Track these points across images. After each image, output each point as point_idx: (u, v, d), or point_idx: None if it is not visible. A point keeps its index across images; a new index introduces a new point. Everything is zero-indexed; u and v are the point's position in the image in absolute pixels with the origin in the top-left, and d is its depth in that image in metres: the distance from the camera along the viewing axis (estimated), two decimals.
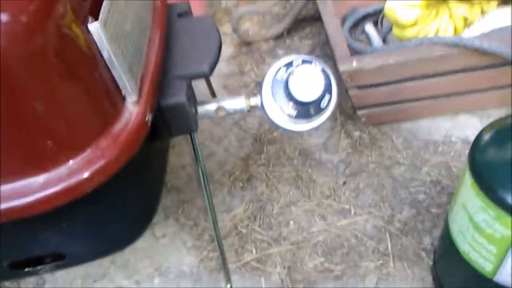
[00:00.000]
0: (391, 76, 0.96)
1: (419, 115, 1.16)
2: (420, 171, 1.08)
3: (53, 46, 0.45)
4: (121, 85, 0.55)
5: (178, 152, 1.21)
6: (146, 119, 0.57)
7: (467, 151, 0.75)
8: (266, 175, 1.14)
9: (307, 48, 1.46)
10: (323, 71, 0.72)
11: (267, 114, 0.75)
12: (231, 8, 1.70)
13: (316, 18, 1.56)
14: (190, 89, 0.71)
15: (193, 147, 0.74)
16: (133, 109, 0.56)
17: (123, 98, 0.56)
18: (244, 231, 1.04)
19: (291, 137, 1.21)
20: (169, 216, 1.10)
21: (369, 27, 1.19)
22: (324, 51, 1.42)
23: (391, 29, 1.18)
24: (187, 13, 0.85)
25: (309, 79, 0.71)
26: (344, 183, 1.10)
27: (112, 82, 0.54)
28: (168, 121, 0.68)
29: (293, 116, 0.74)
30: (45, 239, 0.59)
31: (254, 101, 0.79)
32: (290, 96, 0.72)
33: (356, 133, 1.17)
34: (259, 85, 0.76)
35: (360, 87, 1.00)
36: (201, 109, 0.77)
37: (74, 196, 0.50)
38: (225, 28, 1.53)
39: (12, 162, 0.48)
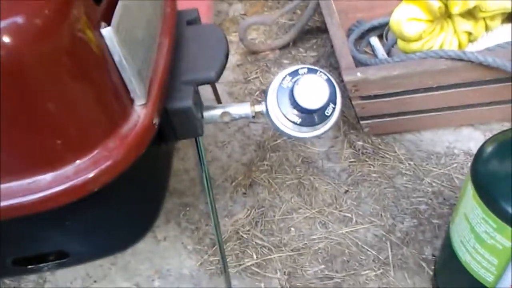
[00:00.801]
0: (395, 87, 0.98)
1: (422, 127, 1.17)
2: (422, 181, 1.09)
3: (67, 49, 0.47)
4: (130, 88, 0.56)
5: (182, 156, 1.22)
6: (154, 121, 0.58)
7: (469, 163, 0.76)
8: (269, 181, 1.15)
9: (312, 59, 1.48)
10: (328, 80, 0.73)
11: (271, 121, 0.77)
12: (238, 17, 1.73)
13: (321, 30, 1.59)
14: (196, 94, 0.72)
15: (198, 151, 0.75)
16: (141, 112, 0.57)
17: (132, 101, 0.57)
18: (245, 236, 1.05)
19: (294, 145, 1.23)
20: (171, 220, 1.11)
21: (374, 40, 1.21)
22: (329, 62, 1.44)
23: (395, 42, 1.20)
24: (196, 20, 0.87)
25: (314, 87, 0.73)
26: (346, 191, 1.10)
27: (121, 85, 0.55)
28: (174, 125, 0.69)
29: (298, 123, 0.75)
30: (50, 237, 0.59)
31: (259, 107, 0.80)
32: (295, 104, 0.73)
33: (359, 143, 1.18)
34: (264, 92, 0.78)
35: (364, 97, 1.01)
36: (207, 114, 0.78)
37: (80, 195, 0.51)
38: (232, 37, 1.55)
39: (21, 160, 0.49)
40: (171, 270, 1.01)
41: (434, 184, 1.08)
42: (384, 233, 1.01)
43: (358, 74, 0.95)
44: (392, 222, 1.03)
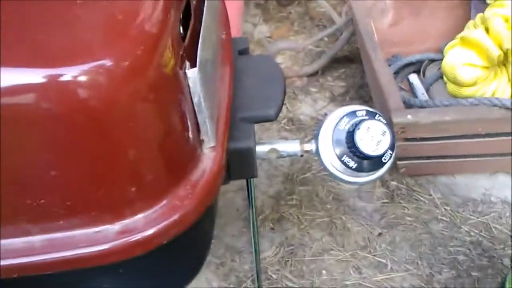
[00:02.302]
0: (444, 132, 0.94)
1: (457, 170, 1.13)
2: (460, 229, 1.05)
3: (152, 90, 0.42)
4: (203, 130, 0.51)
5: None
6: (223, 166, 0.53)
7: (507, 213, 0.72)
8: (298, 217, 1.09)
9: (341, 89, 1.45)
10: (388, 126, 0.70)
11: (322, 162, 0.73)
12: (263, 40, 1.70)
13: (350, 60, 1.56)
14: (254, 133, 0.68)
15: (249, 193, 0.70)
16: (210, 155, 0.52)
17: (201, 143, 0.52)
18: (274, 276, 0.99)
19: (323, 179, 1.18)
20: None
21: (414, 78, 1.18)
22: (359, 94, 1.41)
23: (435, 80, 1.17)
24: (247, 49, 0.83)
25: (376, 133, 0.69)
26: (380, 234, 1.06)
27: (195, 127, 0.50)
28: (231, 166, 0.64)
29: (352, 168, 0.71)
30: (99, 284, 0.54)
31: (309, 146, 0.76)
32: (354, 148, 0.69)
33: (393, 183, 1.14)
34: (316, 130, 0.73)
35: (408, 139, 0.98)
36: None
37: (148, 249, 0.46)
38: None
39: (91, 207, 0.44)
40: None
41: (472, 233, 1.04)
42: (422, 284, 0.96)
43: (409, 116, 0.91)
44: (430, 272, 0.98)
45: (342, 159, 0.70)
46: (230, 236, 1.06)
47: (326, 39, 1.62)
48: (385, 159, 0.71)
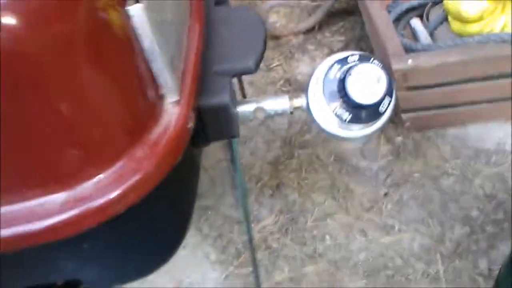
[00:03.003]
0: (449, 76, 0.85)
1: (468, 120, 1.05)
2: (472, 183, 0.98)
3: (85, 33, 0.35)
4: (161, 82, 0.44)
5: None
6: (189, 123, 0.47)
7: None
8: (298, 182, 1.03)
9: (340, 44, 1.36)
10: (384, 69, 0.62)
11: (313, 118, 0.65)
12: None
13: (348, 12, 1.45)
14: (232, 88, 0.61)
15: (232, 155, 0.64)
16: (173, 111, 0.46)
17: (162, 98, 0.46)
18: (274, 245, 0.94)
19: (324, 140, 1.11)
20: (190, 225, 1.00)
21: (416, 22, 1.08)
22: (360, 47, 1.31)
23: (439, 23, 1.07)
24: (225, 0, 0.75)
25: (371, 78, 0.61)
26: (386, 194, 0.99)
27: (150, 78, 0.43)
28: (207, 125, 0.58)
29: (347, 120, 0.64)
30: (62, 264, 0.49)
31: (299, 101, 0.68)
32: (346, 98, 0.62)
33: (398, 139, 1.06)
34: (306, 83, 0.66)
35: (411, 88, 0.89)
36: (238, 110, 0.67)
37: (102, 219, 0.40)
38: None
39: (26, 175, 0.38)
40: (193, 283, 0.91)
41: (485, 186, 0.97)
42: (433, 243, 0.90)
43: (410, 61, 0.82)
44: (440, 230, 0.92)
45: (335, 111, 0.62)
46: (228, 206, 1.01)
47: None
48: (382, 108, 0.63)
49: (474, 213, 0.93)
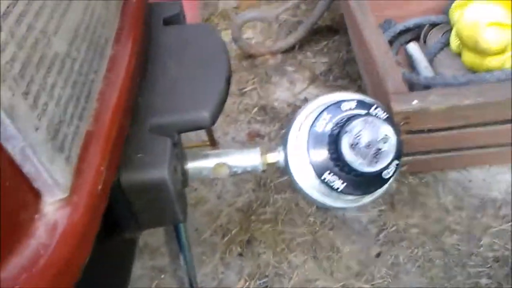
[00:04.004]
0: (461, 120, 0.69)
1: (470, 163, 0.89)
2: (479, 242, 0.82)
3: None
4: (32, 174, 0.26)
5: None
6: (86, 233, 0.29)
7: None
8: (273, 237, 0.86)
9: (323, 67, 1.19)
10: (391, 124, 0.45)
11: (293, 179, 0.49)
12: (230, 11, 1.42)
13: (334, 30, 1.30)
14: (175, 150, 0.43)
15: (180, 243, 0.46)
16: (56, 216, 0.28)
17: (38, 196, 0.27)
18: None
19: None
20: None
21: (413, 47, 0.92)
22: (346, 72, 1.16)
23: (439, 49, 0.91)
24: (178, 18, 0.57)
25: (375, 138, 0.45)
26: (379, 254, 0.82)
27: (9, 167, 0.25)
28: (136, 207, 0.40)
29: (339, 190, 0.47)
30: None
31: (274, 157, 0.52)
32: (340, 162, 0.45)
33: (392, 185, 0.90)
34: (285, 132, 0.50)
35: (414, 132, 0.73)
36: (192, 167, 0.49)
37: None
38: (223, 36, 1.24)
39: None
40: None
41: (495, 246, 0.81)
42: None
43: (415, 102, 0.65)
44: None
45: (323, 177, 0.46)
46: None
47: (303, 7, 1.36)
48: (387, 174, 0.47)
49: (484, 281, 0.77)
